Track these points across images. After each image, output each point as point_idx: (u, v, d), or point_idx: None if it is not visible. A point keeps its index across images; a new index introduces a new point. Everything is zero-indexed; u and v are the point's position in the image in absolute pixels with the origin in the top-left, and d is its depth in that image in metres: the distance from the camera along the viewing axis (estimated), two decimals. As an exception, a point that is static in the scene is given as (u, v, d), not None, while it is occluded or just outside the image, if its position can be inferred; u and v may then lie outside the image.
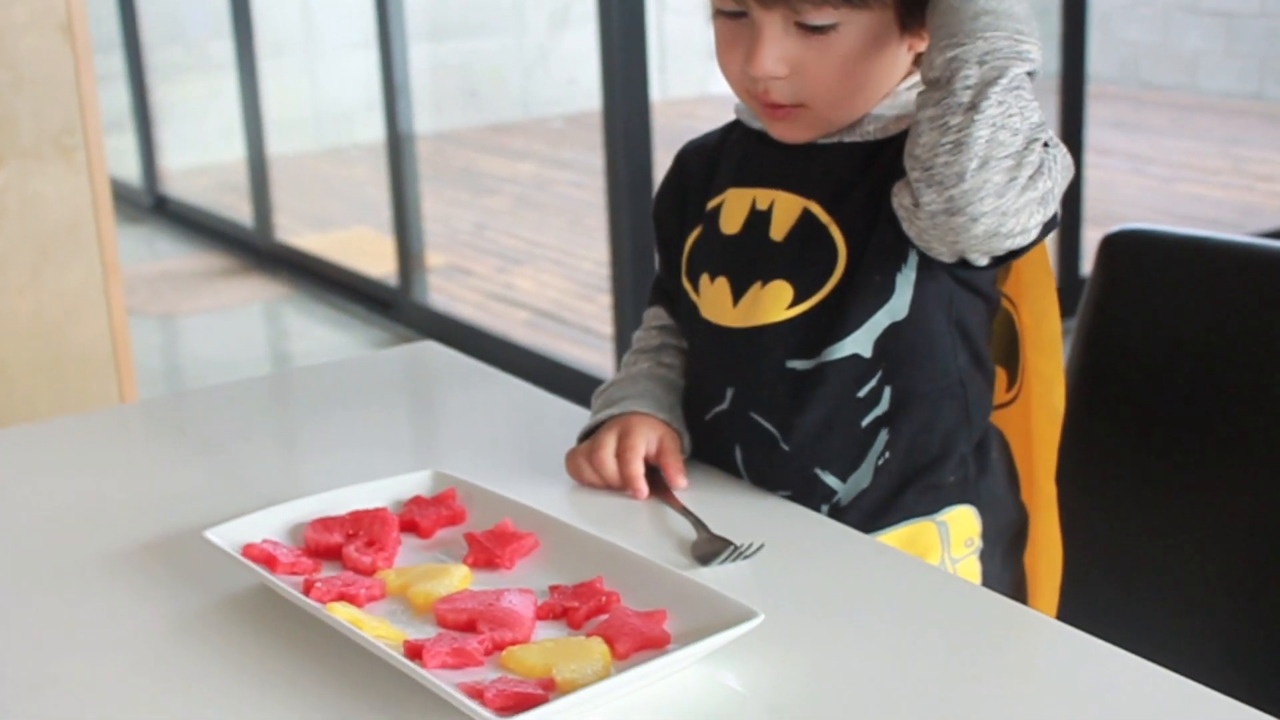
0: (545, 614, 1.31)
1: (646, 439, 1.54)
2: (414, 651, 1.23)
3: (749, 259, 1.54)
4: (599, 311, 5.29)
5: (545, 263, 6.20)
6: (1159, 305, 1.75)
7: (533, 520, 1.42)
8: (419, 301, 5.34)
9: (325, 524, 1.43)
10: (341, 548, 1.40)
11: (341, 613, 1.26)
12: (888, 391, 1.51)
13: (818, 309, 1.51)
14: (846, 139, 1.51)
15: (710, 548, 1.43)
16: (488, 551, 1.40)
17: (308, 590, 1.31)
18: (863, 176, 1.49)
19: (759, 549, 1.41)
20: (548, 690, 1.18)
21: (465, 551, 1.42)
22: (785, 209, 1.52)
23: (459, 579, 1.35)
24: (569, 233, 6.78)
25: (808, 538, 1.46)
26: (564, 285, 5.86)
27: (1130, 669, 1.22)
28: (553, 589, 1.34)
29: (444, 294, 5.63)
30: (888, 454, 1.53)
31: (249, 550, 1.37)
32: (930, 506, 1.53)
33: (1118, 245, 1.80)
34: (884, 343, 1.50)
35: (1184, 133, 8.21)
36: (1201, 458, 1.69)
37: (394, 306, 5.40)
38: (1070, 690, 1.20)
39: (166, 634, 1.32)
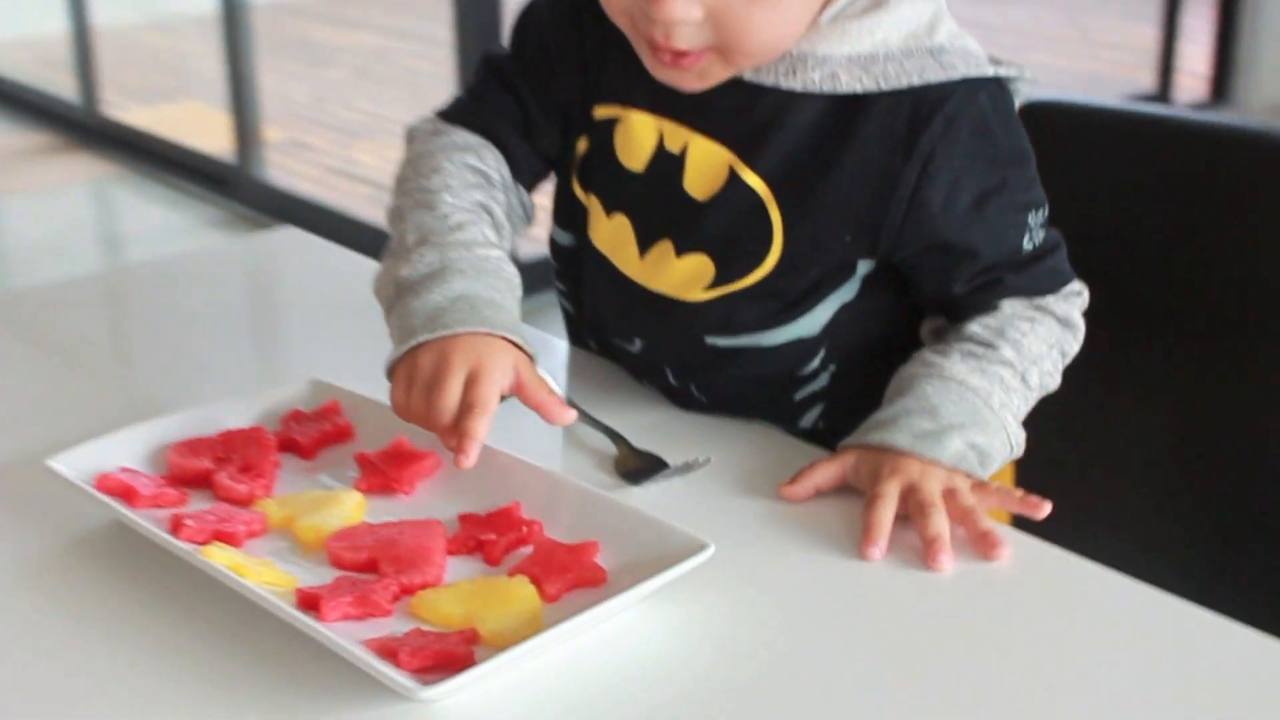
0: (457, 548, 1.13)
1: (499, 383, 1.17)
2: (309, 602, 1.04)
3: (658, 210, 1.30)
4: (448, 187, 5.03)
5: (387, 136, 5.92)
6: (1074, 178, 1.60)
7: (432, 437, 1.24)
8: (257, 178, 5.06)
9: (191, 447, 1.23)
10: (212, 474, 1.20)
11: (219, 557, 1.07)
12: (830, 370, 1.35)
13: (744, 295, 1.30)
14: (785, 84, 1.24)
15: (637, 464, 1.26)
16: (382, 475, 1.21)
17: (176, 529, 1.11)
18: (815, 144, 1.25)
19: (704, 464, 1.24)
20: (470, 644, 1.01)
21: (356, 475, 1.23)
22: (704, 161, 1.27)
23: (351, 508, 1.17)
24: (411, 105, 6.49)
25: (752, 455, 1.30)
26: (409, 160, 5.59)
27: (1072, 568, 1.15)
28: (463, 519, 1.16)
29: (283, 170, 5.34)
30: (821, 424, 1.37)
31: (103, 482, 1.17)
32: None
33: (1035, 116, 1.65)
34: (832, 326, 1.32)
35: (1031, 0, 8.13)
36: (1125, 334, 1.56)
37: (231, 184, 5.11)
38: (1031, 596, 1.10)
39: (2, 583, 1.11)
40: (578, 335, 1.49)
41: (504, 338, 1.20)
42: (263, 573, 1.07)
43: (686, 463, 1.25)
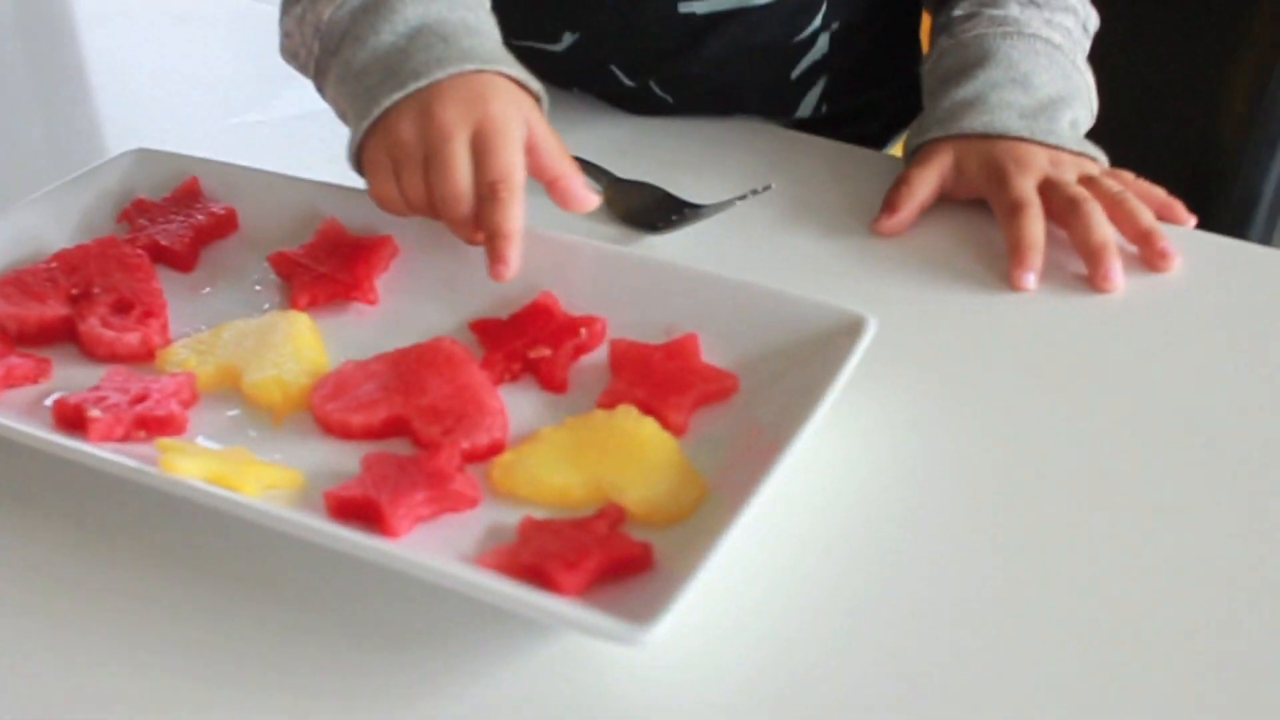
0: (497, 377, 0.78)
1: (519, 141, 0.80)
2: (349, 509, 0.68)
3: None
4: None
5: None
6: None
7: (368, 204, 0.86)
8: None
9: (19, 285, 0.81)
10: (74, 322, 0.80)
11: (184, 465, 0.69)
12: (830, 32, 1.03)
13: None
14: None
15: (640, 201, 0.93)
16: (326, 280, 0.84)
17: (78, 427, 0.72)
18: None
19: (763, 191, 0.91)
20: (616, 525, 0.68)
21: (278, 285, 0.85)
22: None
23: (307, 339, 0.79)
24: None
25: (773, 165, 0.97)
26: None
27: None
28: (479, 330, 0.81)
29: None
30: (824, 107, 1.05)
31: (-82, 367, 0.75)
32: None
33: None
34: None
35: None
36: None
37: None
38: (1223, 300, 0.83)
39: None
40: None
41: (502, 74, 0.82)
42: (249, 474, 0.70)
43: (747, 192, 0.91)
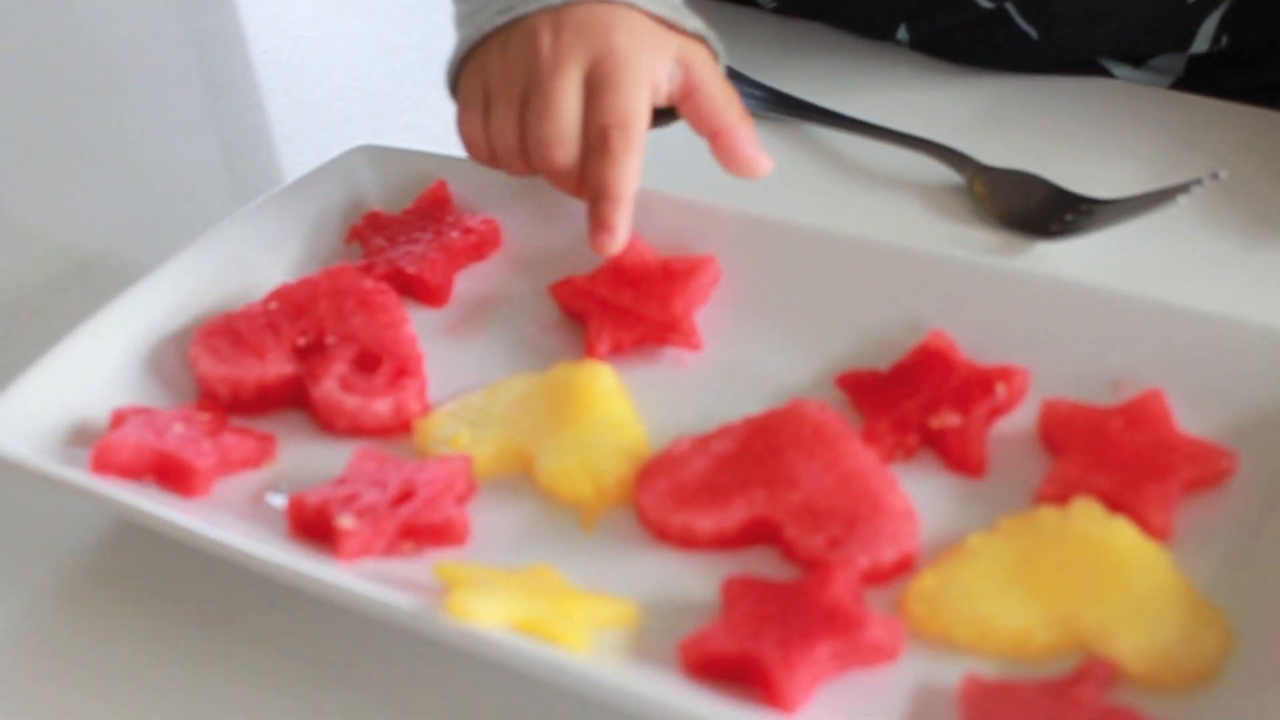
0: (884, 454, 0.56)
1: (647, 83, 0.63)
2: (723, 669, 0.47)
3: None
4: None
5: None
6: None
7: (679, 214, 0.65)
8: None
9: (229, 334, 0.61)
10: (304, 384, 0.60)
11: (483, 605, 0.48)
12: None
13: None
14: None
15: (1007, 188, 0.71)
16: (634, 319, 0.62)
17: (317, 531, 0.52)
18: None
19: (1213, 181, 0.68)
20: (1104, 688, 0.46)
21: (562, 327, 0.64)
22: None
23: (612, 403, 0.58)
24: None
25: (1200, 134, 0.75)
26: None
27: None
28: (850, 386, 0.59)
29: None
30: (1224, 39, 0.82)
31: (102, 458, 0.55)
32: None
33: None
34: None
35: None
36: None
37: None
38: None
39: None
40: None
41: (641, 10, 0.64)
42: (572, 613, 0.49)
43: (1190, 182, 0.67)
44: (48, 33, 1.00)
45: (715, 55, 0.67)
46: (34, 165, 0.86)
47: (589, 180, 0.61)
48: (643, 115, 0.62)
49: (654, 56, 0.63)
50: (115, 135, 0.87)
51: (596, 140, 0.61)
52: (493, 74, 0.64)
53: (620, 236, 0.60)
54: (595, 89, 0.62)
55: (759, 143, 0.64)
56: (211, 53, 1.00)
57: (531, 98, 0.62)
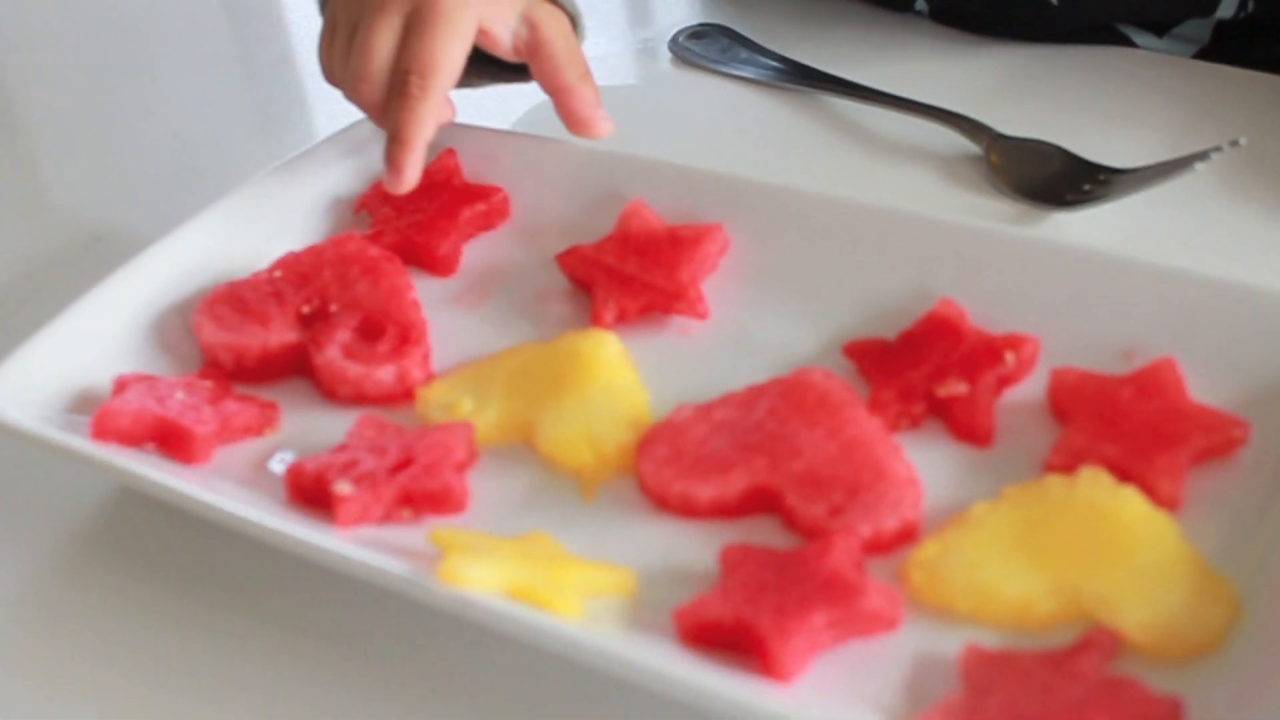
0: (890, 423, 0.55)
1: (467, 33, 0.64)
2: (718, 636, 0.47)
3: None
4: None
5: None
6: None
7: (687, 182, 0.64)
8: None
9: (233, 301, 0.61)
10: (307, 352, 0.59)
11: (476, 571, 0.47)
12: None
13: None
14: None
15: (1018, 155, 0.70)
16: (640, 287, 0.62)
17: (315, 498, 0.52)
18: None
19: (1231, 148, 0.66)
20: (1109, 657, 0.46)
21: (568, 295, 0.63)
22: None
23: (618, 374, 0.58)
24: None
25: (1219, 103, 0.73)
26: None
27: None
28: (857, 354, 0.58)
29: None
30: (1251, 4, 0.81)
31: (105, 422, 0.55)
32: None
33: None
34: None
35: None
36: None
37: None
38: None
39: None
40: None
41: None
42: (566, 580, 0.48)
43: (1209, 149, 0.66)
44: (78, 8, 1.00)
45: (573, 20, 0.68)
46: (60, 138, 0.86)
47: (387, 121, 0.63)
48: (448, 65, 0.63)
49: (484, 12, 0.64)
50: (141, 108, 0.87)
51: (397, 83, 0.63)
52: (339, 6, 0.67)
53: (408, 178, 0.62)
54: (408, 33, 0.63)
55: (599, 103, 0.66)
56: (245, 24, 1.00)
57: (356, 32, 0.65)
